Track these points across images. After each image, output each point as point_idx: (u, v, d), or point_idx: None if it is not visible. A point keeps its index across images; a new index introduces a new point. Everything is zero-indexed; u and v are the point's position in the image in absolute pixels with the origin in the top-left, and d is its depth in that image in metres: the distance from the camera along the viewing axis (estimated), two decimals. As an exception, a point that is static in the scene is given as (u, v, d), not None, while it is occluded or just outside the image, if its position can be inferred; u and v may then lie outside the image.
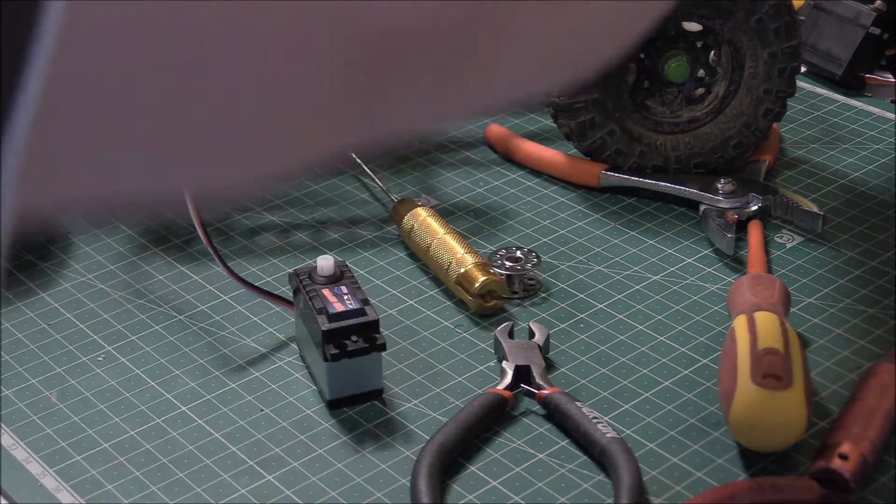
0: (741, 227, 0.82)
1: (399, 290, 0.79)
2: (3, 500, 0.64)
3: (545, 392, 0.68)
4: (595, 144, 0.86)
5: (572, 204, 0.87)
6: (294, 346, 0.74)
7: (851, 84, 0.99)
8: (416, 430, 0.67)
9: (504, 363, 0.70)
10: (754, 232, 0.81)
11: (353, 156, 0.91)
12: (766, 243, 0.81)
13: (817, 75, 1.01)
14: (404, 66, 0.31)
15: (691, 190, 0.84)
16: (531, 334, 0.72)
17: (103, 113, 0.29)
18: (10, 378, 0.72)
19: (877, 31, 0.99)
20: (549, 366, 0.71)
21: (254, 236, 0.84)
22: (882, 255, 0.80)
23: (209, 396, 0.70)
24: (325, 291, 0.69)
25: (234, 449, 0.67)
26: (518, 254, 0.79)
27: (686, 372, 0.71)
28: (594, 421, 0.65)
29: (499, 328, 0.73)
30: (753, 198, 0.83)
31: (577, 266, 0.80)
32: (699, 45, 0.86)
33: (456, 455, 0.65)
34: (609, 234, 0.83)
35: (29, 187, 0.29)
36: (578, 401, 0.67)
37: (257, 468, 0.65)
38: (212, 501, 0.63)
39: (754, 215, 0.83)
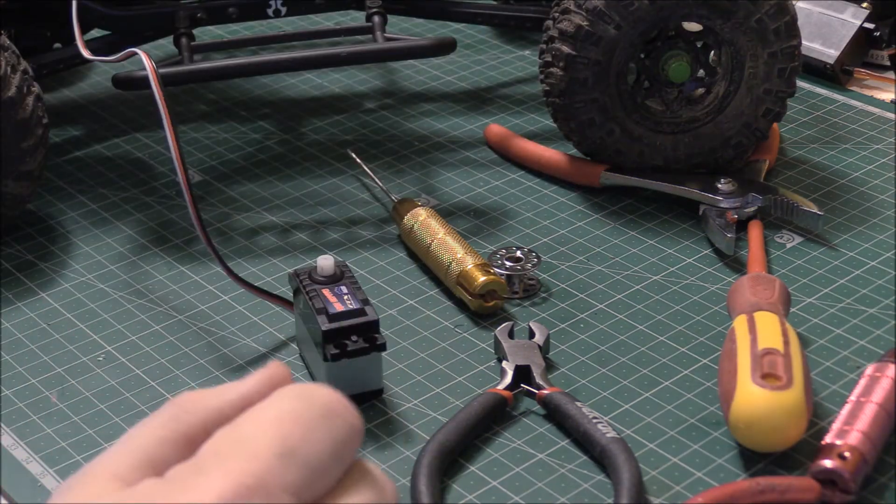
0: (741, 227, 0.82)
1: (399, 290, 0.79)
2: (4, 500, 0.64)
3: (545, 392, 0.68)
4: (595, 144, 0.86)
5: (572, 204, 0.87)
6: (294, 346, 0.74)
7: (838, 78, 1.01)
8: (416, 430, 0.67)
9: (504, 363, 0.70)
10: (754, 232, 0.81)
11: (353, 155, 0.91)
12: (766, 243, 0.81)
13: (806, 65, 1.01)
14: None
15: (691, 190, 0.84)
16: (531, 334, 0.72)
17: None
18: (10, 378, 0.72)
19: (870, 25, 1.01)
20: (549, 366, 0.71)
21: (254, 236, 0.84)
22: (882, 255, 0.80)
23: (209, 396, 0.70)
24: (325, 291, 0.69)
25: (234, 449, 0.66)
26: (518, 254, 0.79)
27: (686, 372, 0.71)
28: (594, 421, 0.65)
29: (499, 328, 0.73)
30: (753, 198, 0.83)
31: (577, 266, 0.80)
32: (699, 45, 0.85)
33: (456, 455, 0.65)
34: (609, 234, 0.83)
35: None
36: (578, 401, 0.67)
37: (257, 468, 0.65)
38: (212, 501, 0.63)
39: (754, 215, 0.83)
